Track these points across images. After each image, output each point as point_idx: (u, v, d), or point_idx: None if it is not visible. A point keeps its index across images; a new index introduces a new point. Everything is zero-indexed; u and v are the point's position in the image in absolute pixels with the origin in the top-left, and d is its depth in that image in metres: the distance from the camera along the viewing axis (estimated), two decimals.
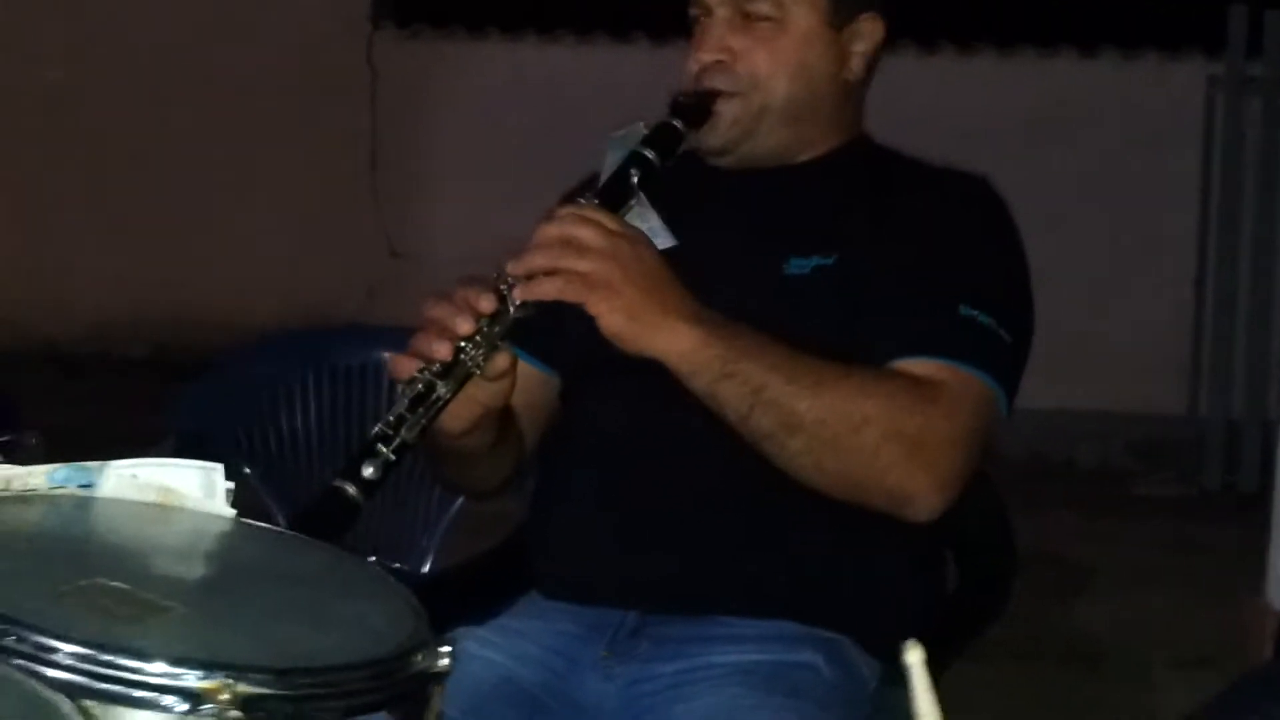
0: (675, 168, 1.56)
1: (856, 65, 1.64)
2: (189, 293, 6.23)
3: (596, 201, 1.51)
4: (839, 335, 1.53)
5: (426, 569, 2.18)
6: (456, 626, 1.52)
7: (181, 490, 1.16)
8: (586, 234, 1.45)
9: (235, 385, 2.34)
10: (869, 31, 1.64)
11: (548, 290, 1.44)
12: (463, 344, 1.43)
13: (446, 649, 1.07)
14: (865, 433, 1.47)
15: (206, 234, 6.28)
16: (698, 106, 1.58)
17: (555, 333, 1.58)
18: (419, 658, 1.06)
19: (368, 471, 1.38)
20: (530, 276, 1.44)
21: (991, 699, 3.13)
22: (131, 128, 6.28)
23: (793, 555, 1.55)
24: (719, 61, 1.60)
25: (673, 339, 1.46)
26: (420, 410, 1.41)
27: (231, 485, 1.17)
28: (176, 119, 6.25)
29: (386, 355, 1.51)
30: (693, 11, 1.64)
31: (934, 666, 0.93)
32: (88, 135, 6.29)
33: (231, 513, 1.18)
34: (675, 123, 1.56)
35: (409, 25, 6.35)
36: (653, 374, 1.47)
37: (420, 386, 1.42)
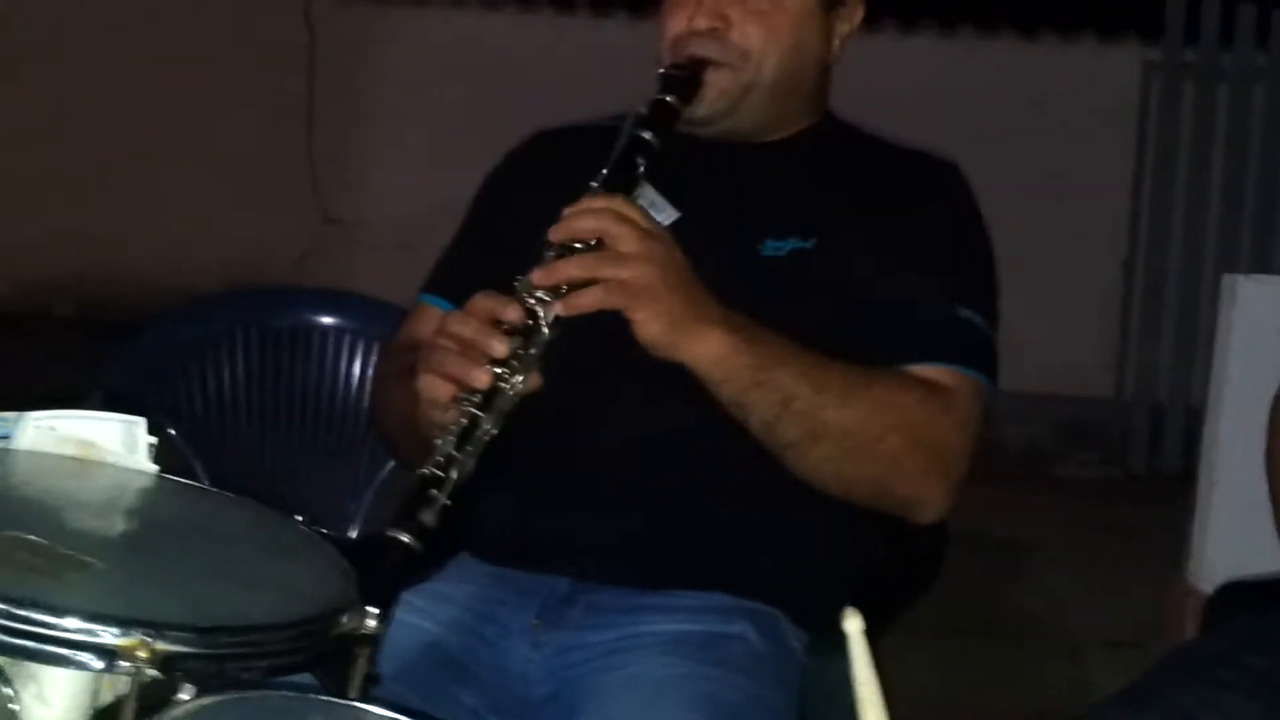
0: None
1: (838, 47, 1.65)
2: (122, 252, 6.14)
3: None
4: (815, 319, 1.52)
5: (354, 534, 2.16)
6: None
7: (102, 444, 1.12)
8: (623, 234, 1.41)
9: (163, 345, 2.30)
10: (853, 14, 1.65)
11: (589, 303, 1.39)
12: (499, 370, 1.37)
13: (374, 610, 1.06)
14: (889, 442, 1.48)
15: (141, 194, 6.18)
16: (689, 78, 1.55)
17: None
18: (345, 619, 1.04)
19: (426, 519, 1.32)
20: (556, 288, 1.39)
21: (921, 674, 3.15)
22: (66, 87, 6.17)
23: (727, 528, 1.54)
24: (713, 29, 1.57)
25: (706, 347, 1.43)
26: (468, 448, 1.36)
27: (154, 440, 1.14)
28: (112, 78, 6.14)
29: (421, 378, 1.39)
30: None
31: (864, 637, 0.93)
32: (21, 94, 6.17)
33: (154, 468, 1.15)
34: (669, 99, 1.53)
35: None
36: (599, 345, 1.44)
37: (465, 421, 1.36)
